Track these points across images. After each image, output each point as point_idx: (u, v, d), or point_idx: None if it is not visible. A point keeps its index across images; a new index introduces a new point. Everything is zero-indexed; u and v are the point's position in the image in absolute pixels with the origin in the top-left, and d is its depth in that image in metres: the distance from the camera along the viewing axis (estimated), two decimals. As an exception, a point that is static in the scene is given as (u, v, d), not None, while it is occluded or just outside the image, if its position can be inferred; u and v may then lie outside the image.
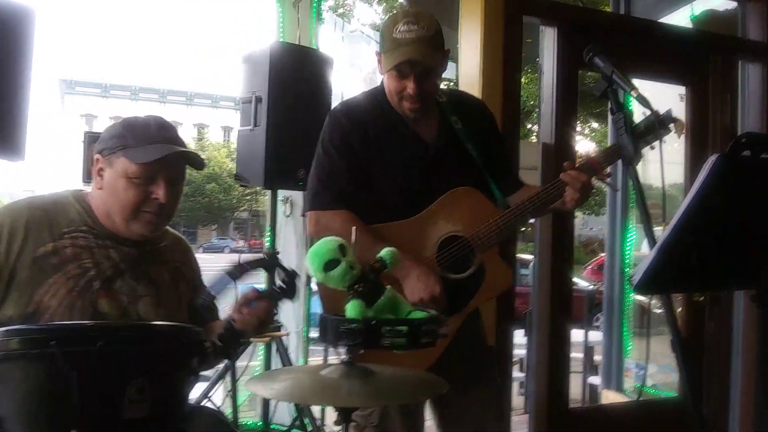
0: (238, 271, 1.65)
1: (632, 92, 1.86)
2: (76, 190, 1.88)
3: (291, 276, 1.73)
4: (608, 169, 2.21)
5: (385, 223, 2.15)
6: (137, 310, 1.77)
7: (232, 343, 1.67)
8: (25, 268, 1.67)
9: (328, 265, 1.47)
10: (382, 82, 2.26)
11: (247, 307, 1.72)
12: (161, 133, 1.80)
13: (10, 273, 1.67)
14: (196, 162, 1.86)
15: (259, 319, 1.73)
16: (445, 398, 2.17)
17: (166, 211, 1.81)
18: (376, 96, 2.27)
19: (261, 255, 1.77)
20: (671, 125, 2.10)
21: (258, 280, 1.88)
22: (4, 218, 1.71)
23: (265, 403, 3.57)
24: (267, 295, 1.74)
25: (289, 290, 1.73)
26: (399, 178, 2.18)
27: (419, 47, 2.08)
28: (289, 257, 3.98)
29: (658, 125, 2.01)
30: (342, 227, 2.04)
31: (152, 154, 1.74)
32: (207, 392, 3.34)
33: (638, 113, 3.73)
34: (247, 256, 1.72)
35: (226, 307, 1.81)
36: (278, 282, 1.74)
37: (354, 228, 1.65)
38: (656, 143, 2.04)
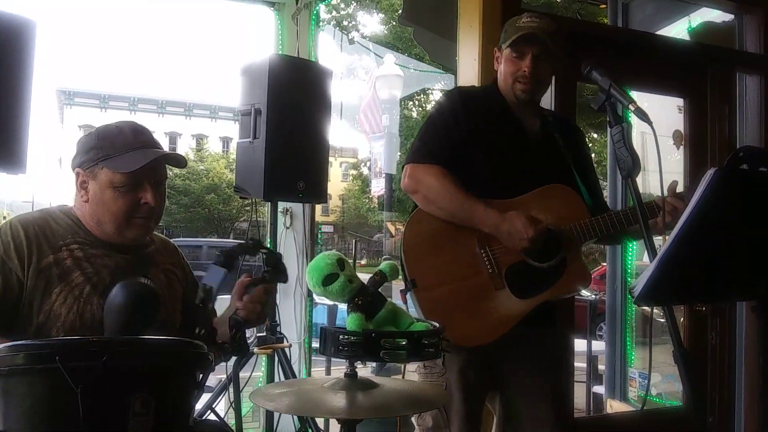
0: (227, 259, 1.66)
1: (630, 106, 1.87)
2: (60, 205, 1.92)
3: (274, 256, 1.79)
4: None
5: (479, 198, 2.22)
6: None
7: (243, 339, 1.70)
8: (32, 280, 1.71)
9: (327, 279, 1.48)
10: (494, 80, 2.40)
11: (246, 295, 1.78)
12: (138, 138, 1.84)
13: (20, 287, 1.71)
14: (179, 161, 1.90)
15: (261, 303, 1.80)
16: (516, 383, 2.28)
17: (156, 213, 1.86)
18: (488, 87, 2.43)
19: (242, 241, 1.80)
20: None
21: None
22: (6, 236, 1.74)
23: (269, 414, 3.56)
24: (261, 279, 1.80)
25: (277, 271, 1.78)
26: (498, 158, 2.27)
27: (538, 29, 2.23)
28: (289, 269, 3.95)
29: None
30: (436, 181, 2.20)
31: (136, 161, 1.78)
32: (210, 403, 3.33)
33: (637, 126, 3.75)
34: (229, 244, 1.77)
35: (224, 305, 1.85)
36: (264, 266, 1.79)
37: (355, 241, 1.67)
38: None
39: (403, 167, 2.30)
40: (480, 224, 2.18)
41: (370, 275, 1.60)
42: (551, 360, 2.33)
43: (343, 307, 1.54)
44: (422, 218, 2.23)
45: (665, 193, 2.13)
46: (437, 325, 1.55)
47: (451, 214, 2.19)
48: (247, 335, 1.83)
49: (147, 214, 1.83)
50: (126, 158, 1.78)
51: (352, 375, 1.46)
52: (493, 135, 2.29)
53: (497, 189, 2.23)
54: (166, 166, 1.89)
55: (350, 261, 1.55)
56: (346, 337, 1.42)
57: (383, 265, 1.59)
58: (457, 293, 2.16)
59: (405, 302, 2.16)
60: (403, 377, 2.24)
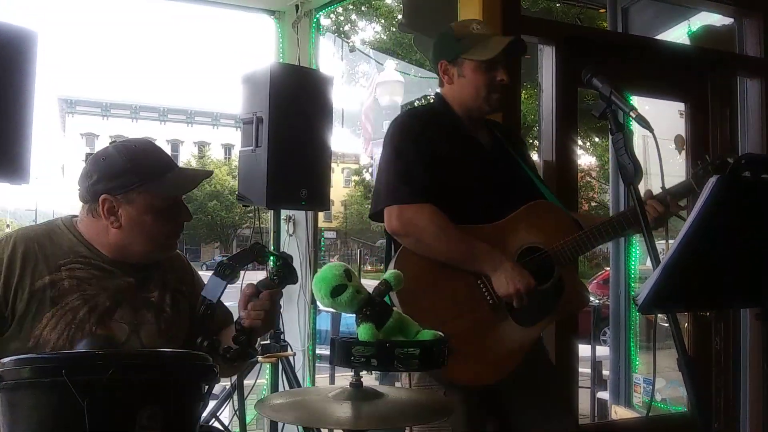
0: (228, 271, 1.61)
1: (631, 113, 1.88)
2: (65, 217, 1.85)
3: (284, 259, 1.70)
4: (683, 202, 2.26)
5: (466, 225, 2.15)
6: (140, 338, 1.76)
7: (246, 344, 1.66)
8: (23, 302, 1.65)
9: (335, 291, 1.48)
10: (437, 95, 2.36)
11: (251, 303, 1.69)
12: (165, 159, 1.82)
13: (11, 307, 1.65)
14: (208, 176, 1.95)
15: (266, 311, 1.69)
16: (518, 417, 2.24)
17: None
18: (436, 106, 2.35)
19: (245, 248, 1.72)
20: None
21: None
22: (1, 252, 1.68)
23: (273, 422, 3.56)
24: (267, 284, 1.71)
25: (287, 274, 1.69)
26: (465, 180, 2.21)
27: (509, 38, 2.21)
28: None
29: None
30: (430, 221, 2.08)
31: (183, 183, 1.80)
32: (215, 411, 3.34)
33: (639, 130, 3.75)
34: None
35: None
36: (275, 269, 1.71)
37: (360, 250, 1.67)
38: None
39: (383, 208, 2.15)
40: (481, 265, 2.09)
41: (376, 281, 1.60)
42: (545, 374, 2.32)
43: (346, 314, 1.53)
44: (410, 258, 2.11)
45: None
46: (442, 334, 1.55)
47: (449, 258, 2.11)
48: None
49: (179, 233, 1.84)
50: (167, 181, 1.76)
51: (357, 385, 1.46)
52: (456, 157, 2.21)
53: (472, 212, 2.16)
54: None
55: (355, 269, 1.55)
56: (359, 348, 1.41)
57: (388, 274, 1.59)
58: (462, 332, 2.04)
59: None
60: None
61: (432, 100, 2.39)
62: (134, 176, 1.73)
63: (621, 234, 2.21)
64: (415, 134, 2.19)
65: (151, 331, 1.79)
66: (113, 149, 1.79)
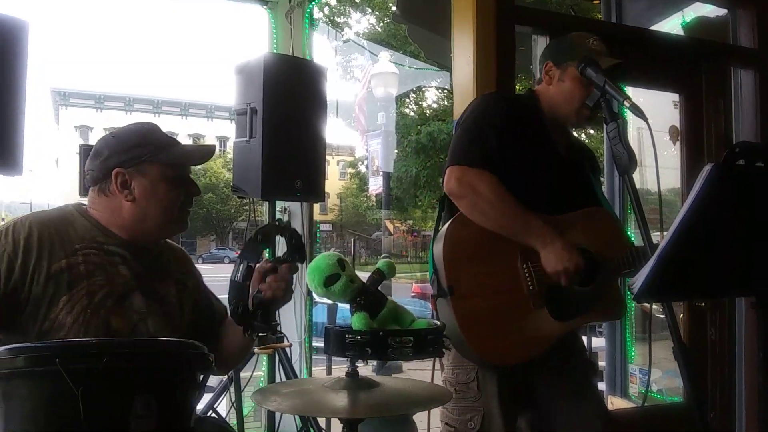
0: (264, 237, 1.66)
1: (625, 102, 1.88)
2: (76, 204, 1.87)
3: (299, 237, 1.77)
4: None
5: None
6: (147, 327, 1.77)
7: (270, 316, 1.72)
8: (40, 285, 1.65)
9: (329, 280, 1.48)
10: (530, 90, 2.38)
11: (270, 276, 1.74)
12: (168, 136, 1.89)
13: (27, 290, 1.65)
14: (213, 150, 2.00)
15: (286, 281, 1.75)
16: (547, 409, 2.25)
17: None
18: (527, 98, 2.37)
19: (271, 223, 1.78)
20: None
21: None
22: (18, 234, 1.68)
23: (270, 414, 3.56)
24: (284, 260, 1.77)
25: (300, 251, 1.77)
26: (532, 173, 2.21)
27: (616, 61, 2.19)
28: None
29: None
30: (489, 189, 2.09)
31: (191, 154, 1.87)
32: (212, 403, 3.34)
33: (633, 122, 3.74)
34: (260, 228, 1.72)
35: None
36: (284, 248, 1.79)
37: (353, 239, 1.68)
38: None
39: (445, 168, 2.16)
40: (532, 239, 2.10)
41: (369, 273, 1.61)
42: (579, 364, 2.33)
43: (343, 305, 1.54)
44: (466, 223, 2.12)
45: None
46: (437, 323, 1.56)
47: (501, 226, 2.11)
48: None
49: (190, 205, 1.88)
50: (177, 152, 1.83)
51: (353, 374, 1.46)
52: (529, 149, 2.22)
53: (530, 204, 2.15)
54: None
55: (349, 260, 1.56)
56: (352, 336, 1.42)
57: (381, 263, 1.59)
58: (495, 307, 2.10)
59: (435, 309, 2.10)
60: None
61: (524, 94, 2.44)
62: (145, 148, 1.79)
63: None
64: (497, 110, 2.22)
65: (159, 322, 1.80)
66: (120, 130, 1.87)
